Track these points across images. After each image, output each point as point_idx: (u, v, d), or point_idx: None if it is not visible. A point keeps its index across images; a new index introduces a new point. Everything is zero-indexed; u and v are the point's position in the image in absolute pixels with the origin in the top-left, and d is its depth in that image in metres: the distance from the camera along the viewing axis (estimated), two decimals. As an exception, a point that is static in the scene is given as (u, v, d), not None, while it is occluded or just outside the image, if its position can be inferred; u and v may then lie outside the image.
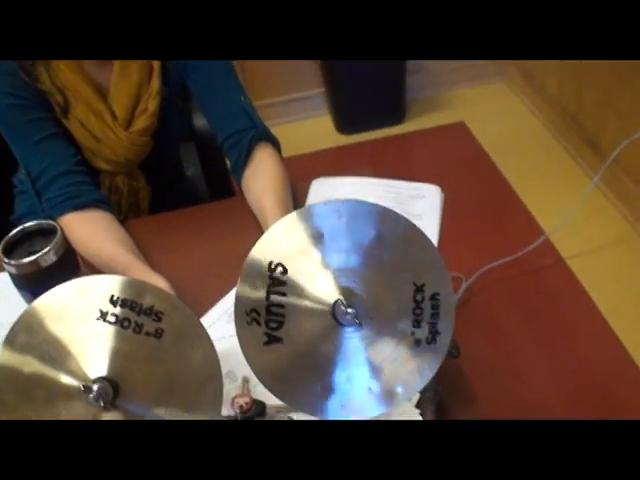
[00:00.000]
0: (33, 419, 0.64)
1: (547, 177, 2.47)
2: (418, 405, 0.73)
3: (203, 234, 1.15)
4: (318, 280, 0.68)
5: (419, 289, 0.69)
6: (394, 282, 0.69)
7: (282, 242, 0.69)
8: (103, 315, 0.64)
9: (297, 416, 0.76)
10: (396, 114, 2.73)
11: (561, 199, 2.33)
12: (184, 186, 1.51)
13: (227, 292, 0.98)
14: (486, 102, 2.85)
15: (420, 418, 0.72)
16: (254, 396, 0.77)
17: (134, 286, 0.65)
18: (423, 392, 0.73)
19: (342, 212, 0.69)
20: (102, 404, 0.62)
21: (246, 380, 0.81)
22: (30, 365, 0.64)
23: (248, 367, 0.81)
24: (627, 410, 0.87)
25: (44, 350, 0.64)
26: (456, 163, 1.63)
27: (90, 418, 0.64)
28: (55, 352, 0.64)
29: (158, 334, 0.64)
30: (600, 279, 2.06)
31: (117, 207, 1.25)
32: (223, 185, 1.54)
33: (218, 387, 0.65)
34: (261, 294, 0.68)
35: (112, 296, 0.64)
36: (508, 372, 0.84)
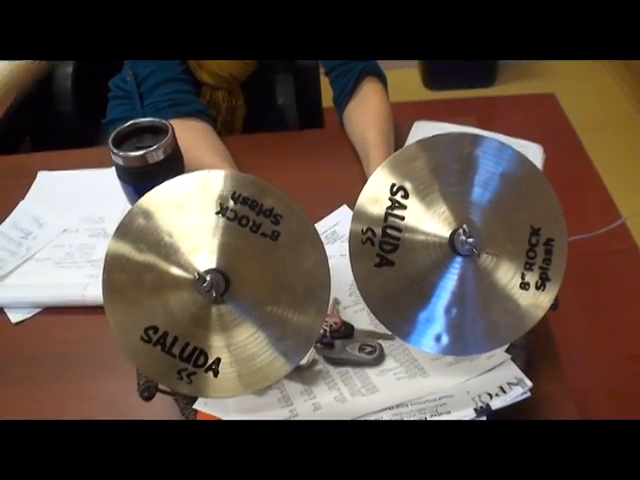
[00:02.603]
0: (141, 304, 0.65)
1: (632, 162, 2.41)
2: (509, 350, 0.72)
3: (294, 159, 1.16)
4: (438, 208, 0.67)
5: (535, 232, 0.68)
6: (512, 221, 0.68)
7: (405, 168, 0.68)
8: (223, 210, 0.64)
9: (384, 343, 0.76)
10: (486, 77, 2.68)
11: (642, 186, 2.28)
12: (276, 113, 1.51)
13: (320, 217, 0.98)
14: (579, 77, 2.77)
15: (511, 363, 0.71)
16: (343, 318, 0.78)
17: (257, 186, 0.65)
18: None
19: (467, 144, 0.68)
20: (214, 294, 0.63)
21: (337, 302, 0.81)
22: (142, 252, 0.65)
23: (339, 288, 0.82)
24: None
25: (159, 237, 0.65)
26: (541, 133, 1.58)
27: (196, 309, 0.65)
28: (169, 240, 0.65)
29: (274, 236, 0.65)
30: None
31: (214, 123, 1.25)
32: (314, 118, 1.53)
33: (325, 296, 0.65)
34: (379, 215, 0.67)
35: (234, 192, 0.65)
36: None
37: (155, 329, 0.65)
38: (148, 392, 0.68)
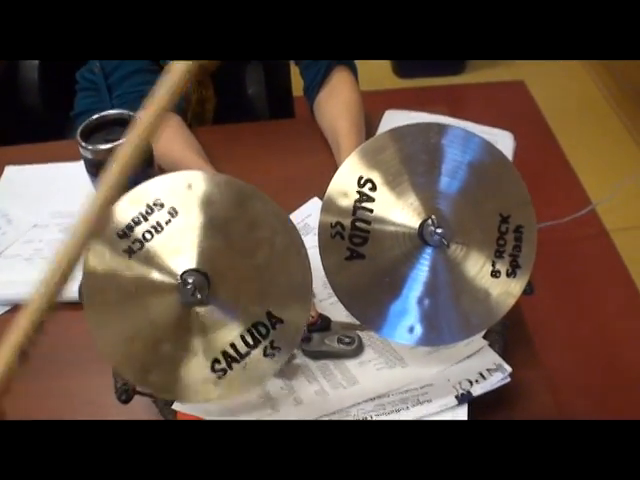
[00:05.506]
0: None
1: (600, 148, 2.43)
2: (486, 336, 0.73)
3: (265, 149, 1.15)
4: (408, 198, 0.67)
5: (504, 220, 0.68)
6: (481, 210, 0.68)
7: (373, 159, 0.68)
8: (132, 247, 0.64)
9: (362, 334, 0.76)
10: (456, 64, 2.68)
11: (611, 172, 2.30)
12: (246, 103, 1.50)
13: (293, 207, 0.98)
14: (548, 64, 2.76)
15: (489, 349, 0.72)
16: (319, 311, 0.78)
17: (133, 201, 0.64)
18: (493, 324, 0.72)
19: (434, 134, 0.69)
20: (199, 297, 0.62)
21: (312, 295, 0.81)
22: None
23: (314, 281, 0.81)
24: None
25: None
26: (511, 121, 1.58)
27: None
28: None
29: (174, 213, 0.64)
30: (641, 256, 2.04)
31: (184, 115, 1.24)
32: (285, 107, 1.53)
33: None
34: (348, 208, 0.67)
35: (122, 230, 0.64)
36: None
37: (218, 361, 0.66)
38: (126, 395, 0.68)
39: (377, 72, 2.66)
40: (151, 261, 0.64)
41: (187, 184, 0.65)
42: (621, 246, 2.08)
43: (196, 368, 0.65)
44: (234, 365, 0.65)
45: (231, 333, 0.65)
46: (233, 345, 0.65)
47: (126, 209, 0.64)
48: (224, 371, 0.65)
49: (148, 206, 0.64)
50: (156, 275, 0.64)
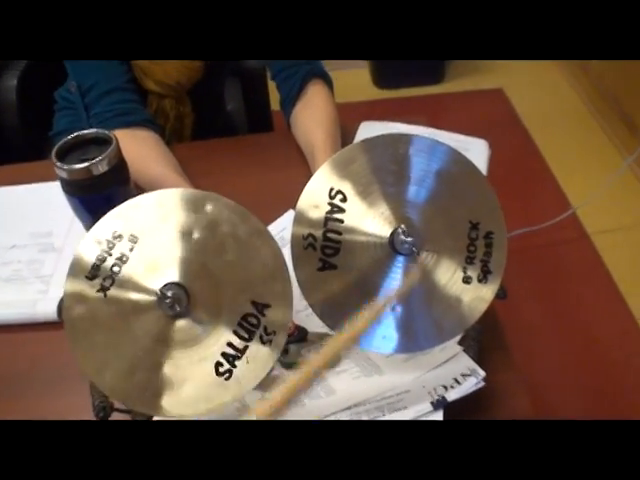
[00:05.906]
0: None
1: (580, 153, 2.46)
2: (461, 342, 0.74)
3: (244, 164, 1.16)
4: (377, 209, 0.68)
5: (474, 227, 0.69)
6: (450, 217, 0.69)
7: (343, 171, 0.69)
8: (103, 285, 0.65)
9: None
10: (435, 74, 2.71)
11: (591, 176, 2.32)
12: (224, 119, 1.51)
13: (272, 220, 0.98)
14: (527, 71, 2.81)
15: (464, 355, 0.72)
16: (295, 322, 0.78)
17: (87, 248, 0.65)
18: (467, 330, 0.73)
19: (403, 145, 0.70)
20: (178, 309, 0.63)
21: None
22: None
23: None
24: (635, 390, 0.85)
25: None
26: (490, 128, 1.60)
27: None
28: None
29: (135, 239, 0.65)
30: (622, 258, 2.06)
31: (161, 131, 1.25)
32: (263, 122, 1.54)
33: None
34: (319, 220, 0.68)
35: (93, 266, 0.65)
36: (516, 344, 0.83)
37: (220, 364, 0.66)
38: (104, 412, 0.68)
39: (357, 83, 2.68)
40: (126, 291, 0.64)
41: (138, 208, 0.66)
42: (602, 248, 2.10)
43: (201, 377, 0.65)
44: (237, 362, 0.66)
45: (224, 333, 0.66)
46: (230, 344, 0.66)
47: (88, 251, 0.65)
48: (229, 371, 0.66)
49: (108, 241, 0.65)
50: (135, 301, 0.64)
